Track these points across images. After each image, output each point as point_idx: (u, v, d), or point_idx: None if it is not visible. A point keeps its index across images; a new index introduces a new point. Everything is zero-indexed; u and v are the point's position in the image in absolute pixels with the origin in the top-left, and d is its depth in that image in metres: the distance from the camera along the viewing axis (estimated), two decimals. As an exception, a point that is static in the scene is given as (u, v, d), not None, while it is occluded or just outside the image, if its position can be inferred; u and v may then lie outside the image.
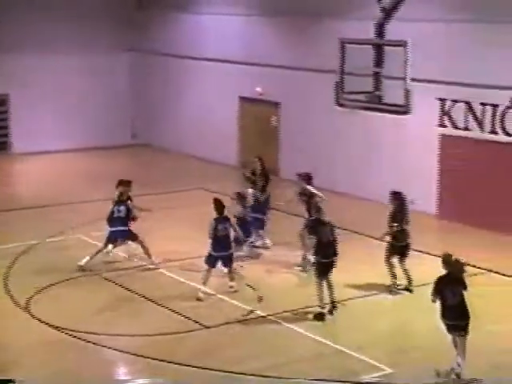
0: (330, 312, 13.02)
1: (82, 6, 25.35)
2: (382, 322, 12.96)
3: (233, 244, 14.06)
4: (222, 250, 13.78)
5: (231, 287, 13.92)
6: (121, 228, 15.00)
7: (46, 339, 12.16)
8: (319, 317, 12.88)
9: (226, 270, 14.07)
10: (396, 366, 11.33)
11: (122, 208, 15.02)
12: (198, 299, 13.53)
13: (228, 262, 13.94)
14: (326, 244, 13.06)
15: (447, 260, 11.26)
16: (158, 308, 13.38)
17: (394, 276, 14.13)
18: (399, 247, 14.14)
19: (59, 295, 13.89)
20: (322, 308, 12.94)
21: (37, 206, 19.12)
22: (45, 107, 25.33)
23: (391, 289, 14.07)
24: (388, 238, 14.21)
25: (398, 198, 14.19)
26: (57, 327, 12.47)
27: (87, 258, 14.89)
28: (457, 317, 11.04)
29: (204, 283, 13.74)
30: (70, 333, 12.25)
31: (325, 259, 13.09)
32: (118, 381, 11.29)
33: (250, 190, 15.94)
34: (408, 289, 14.13)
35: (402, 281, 14.24)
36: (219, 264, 13.98)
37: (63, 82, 25.46)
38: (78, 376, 11.07)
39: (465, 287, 11.06)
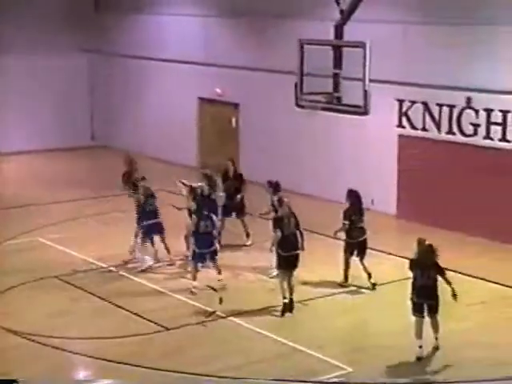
0: (285, 311, 13.07)
1: (40, 8, 25.10)
2: (343, 321, 13.04)
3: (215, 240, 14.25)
4: (205, 247, 13.97)
5: (220, 280, 14.11)
6: (155, 221, 15.02)
7: (4, 344, 12.01)
8: (284, 308, 13.03)
9: (212, 264, 14.22)
10: (356, 364, 11.40)
11: (152, 201, 15.08)
12: (192, 293, 13.83)
13: (213, 256, 14.12)
14: (286, 237, 13.22)
15: (420, 244, 12.02)
16: (118, 310, 13.30)
17: (345, 275, 14.41)
18: (354, 244, 14.38)
19: (17, 298, 13.74)
20: (284, 298, 13.14)
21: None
22: (4, 108, 25.03)
23: (341, 284, 14.38)
24: (343, 236, 14.44)
25: (352, 195, 14.53)
26: (15, 331, 12.33)
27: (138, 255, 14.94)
28: (425, 297, 11.73)
29: (194, 279, 14.00)
30: (29, 337, 12.13)
31: (285, 252, 13.17)
32: (78, 381, 11.19)
33: (206, 188, 15.78)
34: (373, 284, 14.33)
35: (362, 281, 14.35)
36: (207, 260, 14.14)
37: (21, 84, 25.20)
38: (39, 381, 10.97)
39: (439, 272, 11.84)
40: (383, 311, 13.49)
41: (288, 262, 13.25)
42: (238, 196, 16.60)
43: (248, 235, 16.68)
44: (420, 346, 11.62)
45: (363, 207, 14.60)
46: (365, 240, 14.53)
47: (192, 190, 15.46)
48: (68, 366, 11.62)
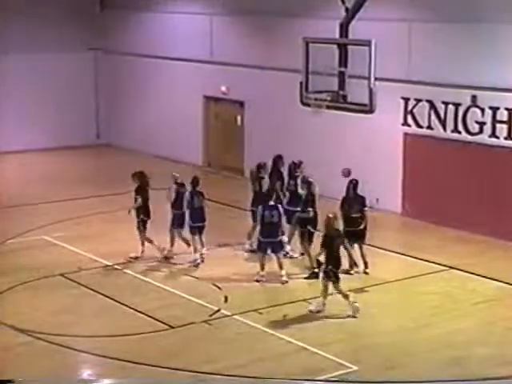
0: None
1: (45, 6, 25.10)
2: (347, 319, 13.01)
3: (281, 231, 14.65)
4: (270, 237, 14.38)
5: (281, 276, 14.42)
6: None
7: (9, 342, 12.03)
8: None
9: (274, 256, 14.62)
10: (361, 363, 11.39)
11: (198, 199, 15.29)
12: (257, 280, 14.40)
13: (277, 248, 14.55)
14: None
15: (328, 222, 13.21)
16: (123, 308, 13.31)
17: (350, 264, 14.68)
18: (349, 232, 14.58)
19: (23, 296, 13.76)
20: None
21: (-1, 207, 18.96)
22: (9, 107, 25.06)
23: (348, 271, 14.63)
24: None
25: (348, 185, 15.07)
26: (21, 329, 12.35)
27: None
28: (333, 264, 12.99)
29: (262, 269, 14.46)
30: (35, 335, 12.15)
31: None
32: (85, 381, 11.21)
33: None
34: (365, 272, 14.82)
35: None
36: (269, 250, 14.51)
37: (27, 82, 25.21)
38: (46, 378, 10.99)
39: (342, 241, 13.25)
40: (388, 309, 13.48)
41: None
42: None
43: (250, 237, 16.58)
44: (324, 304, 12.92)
45: (357, 197, 14.97)
46: (358, 230, 14.80)
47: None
48: (73, 363, 11.63)
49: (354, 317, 12.92)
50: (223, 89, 22.76)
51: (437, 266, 15.40)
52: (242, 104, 22.57)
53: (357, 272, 14.80)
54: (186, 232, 15.51)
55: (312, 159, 20.77)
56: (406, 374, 11.15)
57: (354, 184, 15.11)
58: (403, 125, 18.65)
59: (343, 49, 14.89)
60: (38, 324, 12.53)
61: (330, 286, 13.10)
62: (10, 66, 24.86)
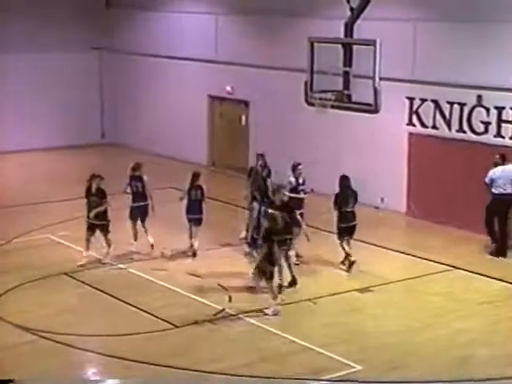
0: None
1: (50, 5, 25.13)
2: (352, 319, 13.02)
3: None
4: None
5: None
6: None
7: (14, 341, 12.05)
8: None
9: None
10: (365, 362, 11.39)
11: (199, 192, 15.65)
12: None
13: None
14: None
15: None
16: (127, 307, 13.32)
17: (345, 254, 14.94)
18: (344, 228, 14.86)
19: (27, 295, 13.77)
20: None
21: (4, 206, 18.94)
22: (13, 107, 25.09)
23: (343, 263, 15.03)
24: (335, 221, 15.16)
25: (341, 181, 15.19)
26: (26, 328, 12.37)
27: None
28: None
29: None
30: (39, 334, 12.16)
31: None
32: (90, 381, 11.21)
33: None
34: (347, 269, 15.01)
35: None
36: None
37: (31, 82, 25.21)
38: (50, 378, 11.00)
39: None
40: (392, 309, 13.47)
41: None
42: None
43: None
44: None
45: (351, 194, 15.06)
46: (349, 226, 14.96)
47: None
48: (78, 362, 11.63)
49: (267, 315, 12.85)
50: (228, 88, 22.77)
51: (441, 265, 15.39)
52: (246, 104, 22.57)
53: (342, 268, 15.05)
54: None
55: (316, 158, 20.78)
56: (410, 374, 11.14)
57: (348, 179, 15.19)
58: (408, 124, 18.63)
59: (348, 48, 14.88)
60: (42, 323, 12.53)
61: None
62: (15, 66, 24.85)
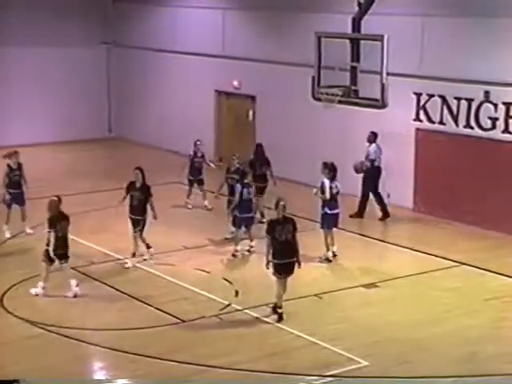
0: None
1: (56, 0, 25.18)
2: (358, 314, 13.01)
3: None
4: (245, 213, 15.33)
5: (251, 247, 15.41)
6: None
7: (22, 334, 12.08)
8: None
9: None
10: (371, 358, 11.38)
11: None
12: (234, 255, 15.33)
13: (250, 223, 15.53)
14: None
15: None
16: (134, 302, 13.34)
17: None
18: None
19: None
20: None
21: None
22: (20, 101, 25.11)
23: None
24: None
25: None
26: (32, 322, 12.40)
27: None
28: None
29: (237, 244, 15.34)
30: (47, 328, 12.19)
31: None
32: (98, 381, 11.22)
33: None
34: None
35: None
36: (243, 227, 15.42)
37: (39, 76, 25.26)
38: (57, 372, 11.02)
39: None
40: (399, 304, 13.46)
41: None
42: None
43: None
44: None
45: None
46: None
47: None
48: (84, 356, 11.67)
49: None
50: (235, 83, 22.75)
51: (448, 261, 15.37)
52: (253, 98, 22.54)
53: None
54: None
55: (323, 154, 20.75)
56: (417, 369, 11.12)
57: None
58: (415, 120, 18.59)
59: (355, 43, 14.86)
60: (49, 316, 12.57)
61: None
62: (22, 60, 24.88)
